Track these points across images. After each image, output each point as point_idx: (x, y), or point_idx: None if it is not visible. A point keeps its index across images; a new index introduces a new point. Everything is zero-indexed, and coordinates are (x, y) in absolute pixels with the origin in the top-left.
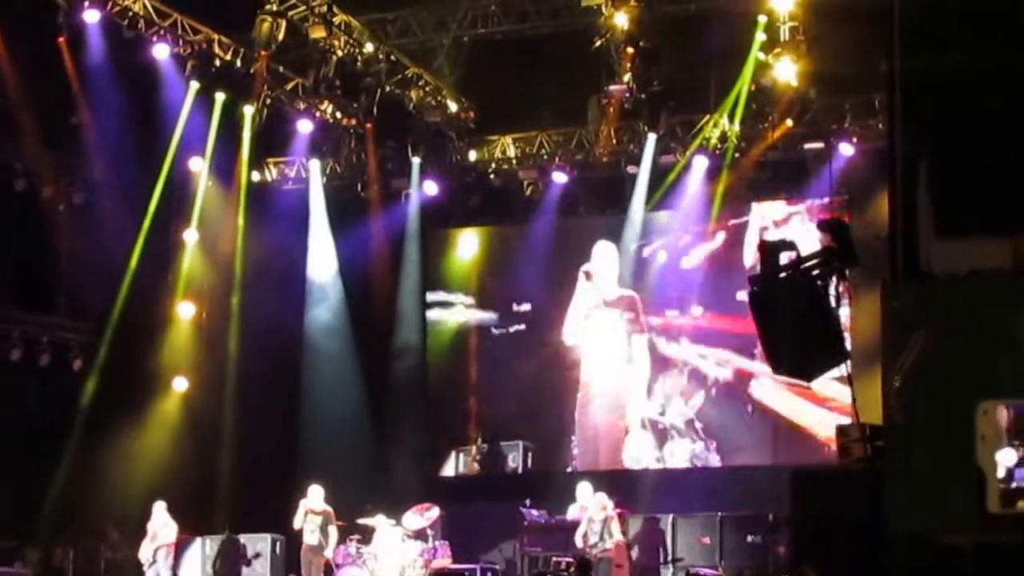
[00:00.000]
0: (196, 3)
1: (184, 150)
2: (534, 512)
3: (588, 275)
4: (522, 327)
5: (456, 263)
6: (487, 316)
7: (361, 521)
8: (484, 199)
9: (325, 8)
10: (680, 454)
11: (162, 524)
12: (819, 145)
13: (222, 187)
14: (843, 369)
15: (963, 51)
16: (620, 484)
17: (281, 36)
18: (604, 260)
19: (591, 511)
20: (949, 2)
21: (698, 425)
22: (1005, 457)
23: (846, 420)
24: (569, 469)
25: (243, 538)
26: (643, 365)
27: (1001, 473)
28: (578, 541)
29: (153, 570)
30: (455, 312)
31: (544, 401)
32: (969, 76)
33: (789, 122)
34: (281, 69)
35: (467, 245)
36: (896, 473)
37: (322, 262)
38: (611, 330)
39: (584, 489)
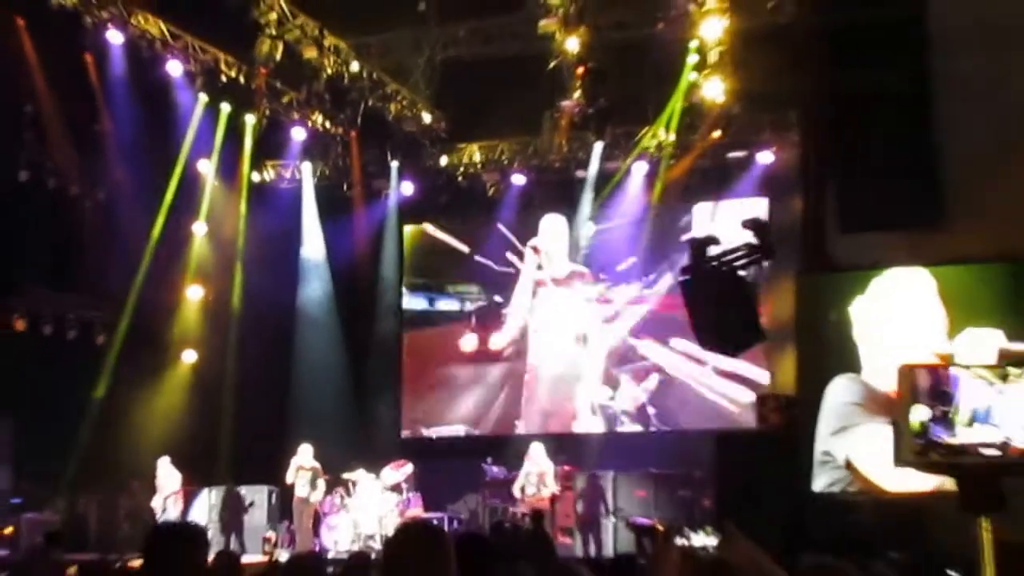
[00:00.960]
0: (205, 26)
1: (193, 154)
2: (494, 469)
3: (536, 250)
4: (479, 307)
5: (428, 252)
6: (450, 299)
7: (345, 475)
8: (453, 198)
9: (317, 32)
10: None
11: (167, 476)
12: (742, 153)
13: (226, 186)
14: (761, 346)
15: (865, 74)
16: (569, 446)
17: (278, 55)
18: (552, 234)
19: (527, 466)
20: (853, 33)
21: (651, 411)
22: (918, 413)
23: None
24: (520, 432)
25: (243, 489)
26: (593, 345)
27: (916, 425)
28: (516, 492)
29: (165, 517)
30: (424, 295)
31: (493, 383)
32: (869, 95)
33: (717, 133)
34: (278, 84)
35: (438, 237)
36: (806, 438)
37: (313, 250)
38: (560, 308)
39: (536, 448)
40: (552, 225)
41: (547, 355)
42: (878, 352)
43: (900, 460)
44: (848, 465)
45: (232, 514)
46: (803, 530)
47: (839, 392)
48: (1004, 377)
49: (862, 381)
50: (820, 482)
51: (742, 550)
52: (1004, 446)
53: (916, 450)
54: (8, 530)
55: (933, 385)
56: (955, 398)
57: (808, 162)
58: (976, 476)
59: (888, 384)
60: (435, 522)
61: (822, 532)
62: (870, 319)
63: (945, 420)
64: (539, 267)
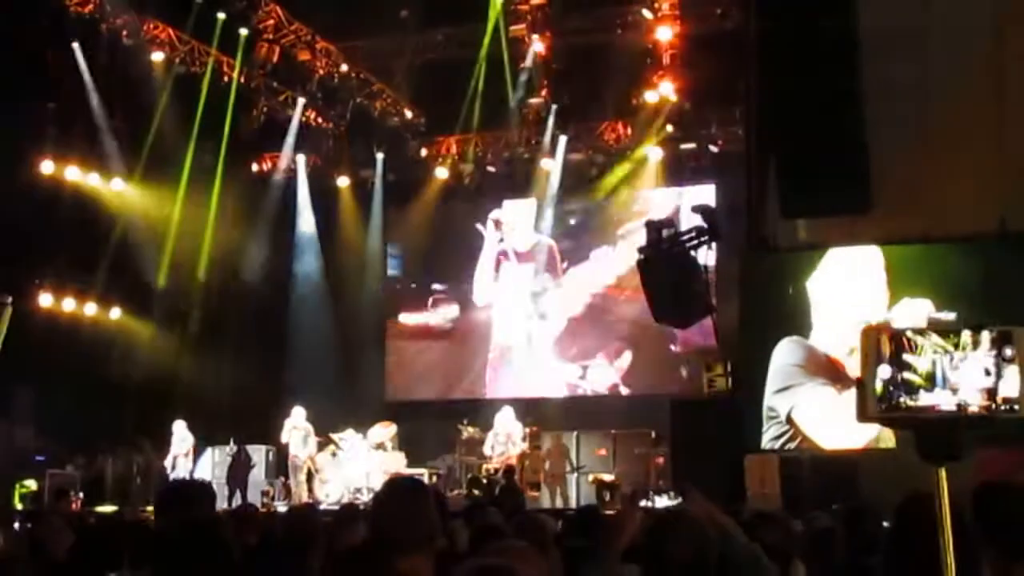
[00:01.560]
0: (211, 34)
1: (201, 146)
2: (470, 429)
3: (497, 224)
4: (451, 289)
5: (410, 235)
6: (430, 279)
7: (334, 435)
8: (432, 186)
9: (310, 37)
10: None
11: (180, 438)
12: (692, 145)
13: (230, 175)
14: (711, 319)
15: (803, 75)
16: (536, 409)
17: (275, 58)
18: (515, 210)
19: (497, 427)
20: (793, 38)
21: (624, 391)
22: (881, 375)
23: None
24: (488, 396)
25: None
26: (559, 320)
27: (878, 386)
28: (487, 451)
29: (175, 474)
30: (404, 278)
31: (460, 360)
32: (807, 94)
33: (669, 128)
34: (275, 84)
35: (419, 221)
36: (749, 401)
37: (307, 232)
38: (523, 283)
39: (505, 411)
40: (517, 204)
41: (511, 333)
42: (828, 318)
43: (864, 417)
44: (789, 420)
45: (241, 471)
46: (744, 484)
47: (784, 354)
48: (958, 345)
49: (806, 344)
50: (767, 436)
51: (699, 505)
52: (960, 408)
53: (879, 409)
54: (32, 485)
55: (895, 349)
56: (914, 363)
57: (751, 154)
58: (935, 429)
59: (833, 347)
60: (416, 477)
61: None
62: (823, 289)
63: (906, 384)
64: (501, 240)
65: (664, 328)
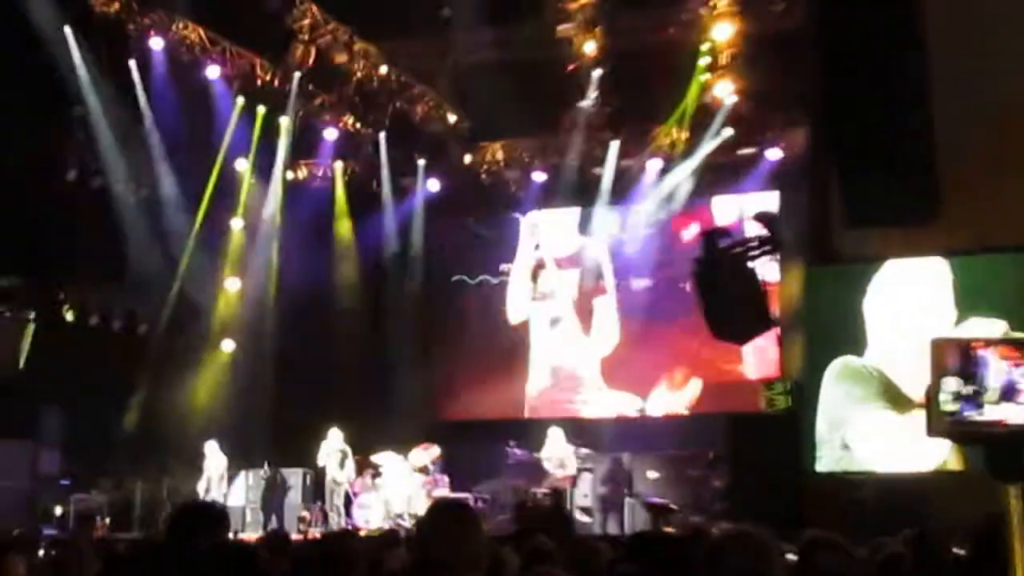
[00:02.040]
0: (241, 32)
1: (231, 153)
2: (518, 451)
3: (534, 228)
4: (497, 302)
5: (453, 246)
6: (474, 291)
7: (374, 457)
8: (476, 195)
9: (347, 37)
10: None
11: (213, 458)
12: (752, 150)
13: (262, 184)
14: (772, 334)
15: (868, 76)
16: (583, 430)
17: (311, 60)
18: (553, 216)
19: (548, 449)
20: (856, 36)
21: (686, 411)
22: (948, 389)
23: None
24: (533, 416)
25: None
26: (609, 338)
27: (945, 398)
28: (546, 468)
29: (208, 498)
30: (447, 290)
31: (505, 378)
32: (873, 95)
33: (727, 131)
34: (311, 87)
35: (463, 232)
36: (811, 421)
37: (344, 244)
38: (564, 292)
39: (555, 431)
40: (555, 211)
41: (551, 353)
42: (886, 336)
43: (933, 431)
44: (844, 446)
45: (276, 495)
46: (802, 507)
47: (837, 376)
48: None
49: (861, 364)
50: (823, 462)
51: None
52: None
53: (947, 424)
54: (58, 510)
55: (963, 362)
56: (983, 376)
57: (814, 159)
58: (1004, 444)
59: (890, 367)
60: (461, 501)
61: (827, 511)
62: (883, 305)
63: (973, 398)
64: (536, 247)
65: (735, 349)
